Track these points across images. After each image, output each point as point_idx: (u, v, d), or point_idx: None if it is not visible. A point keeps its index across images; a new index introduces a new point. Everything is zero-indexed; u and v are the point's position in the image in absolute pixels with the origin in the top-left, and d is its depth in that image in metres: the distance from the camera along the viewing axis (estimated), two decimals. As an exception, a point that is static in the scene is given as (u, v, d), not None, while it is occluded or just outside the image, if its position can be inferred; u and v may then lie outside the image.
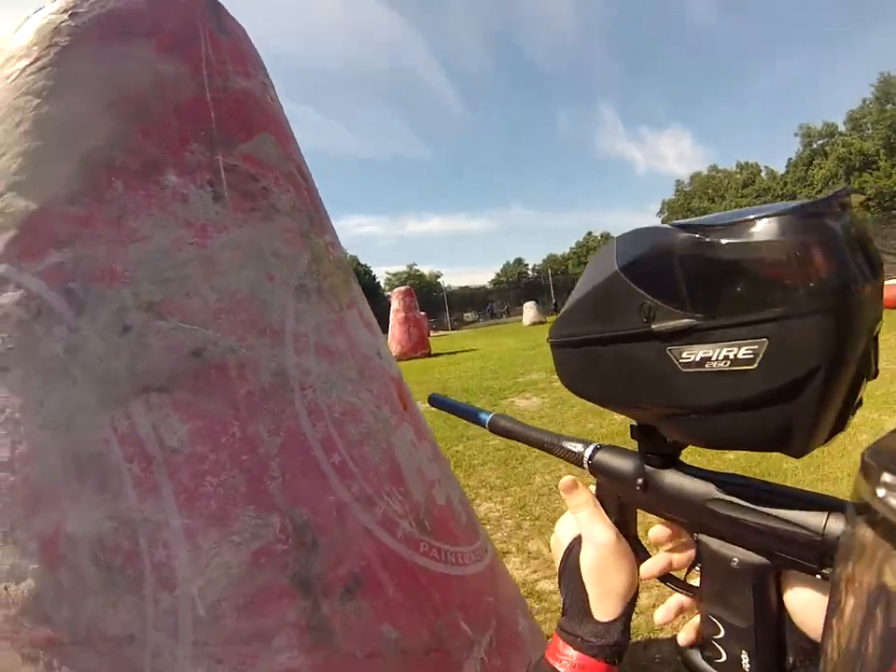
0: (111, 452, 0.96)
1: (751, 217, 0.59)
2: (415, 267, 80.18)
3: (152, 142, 1.15)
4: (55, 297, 1.03)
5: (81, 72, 1.18)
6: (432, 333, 27.09)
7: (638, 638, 3.11)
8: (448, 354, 19.62)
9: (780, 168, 73.36)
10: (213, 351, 1.03)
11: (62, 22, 1.21)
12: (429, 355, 20.00)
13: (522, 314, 35.92)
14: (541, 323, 31.33)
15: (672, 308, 0.65)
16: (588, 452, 0.89)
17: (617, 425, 6.95)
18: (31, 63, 1.18)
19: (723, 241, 0.61)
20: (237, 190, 1.19)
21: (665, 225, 0.68)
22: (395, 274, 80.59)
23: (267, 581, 0.97)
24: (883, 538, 0.34)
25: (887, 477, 0.35)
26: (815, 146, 67.26)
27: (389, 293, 22.37)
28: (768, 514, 0.65)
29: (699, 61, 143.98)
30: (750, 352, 0.59)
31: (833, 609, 0.43)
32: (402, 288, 20.63)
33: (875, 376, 0.61)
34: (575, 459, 0.91)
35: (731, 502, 0.70)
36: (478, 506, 5.22)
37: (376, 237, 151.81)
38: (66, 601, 0.95)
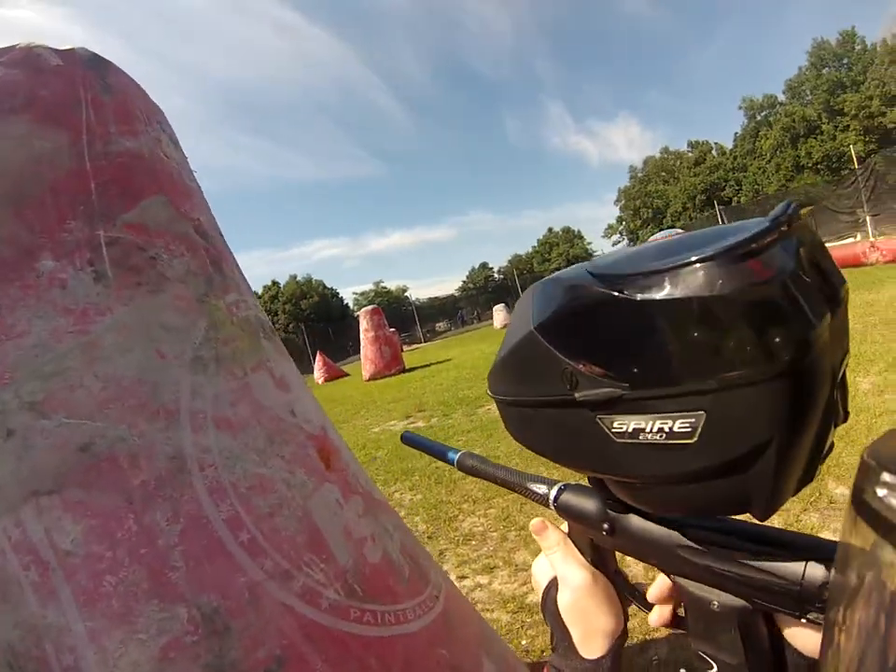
0: (7, 561, 0.92)
1: (674, 264, 0.51)
2: (382, 284, 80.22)
3: (26, 225, 1.09)
4: None
5: None
6: (406, 348, 27.16)
7: (634, 641, 3.10)
8: (423, 367, 19.71)
9: (729, 143, 74.32)
10: (101, 444, 0.98)
11: None
12: (404, 370, 20.09)
13: (492, 318, 35.95)
14: (512, 325, 31.57)
15: (595, 375, 0.59)
16: (553, 493, 0.87)
17: None
18: None
19: (640, 297, 0.53)
20: (120, 266, 1.14)
21: (582, 272, 0.61)
22: (362, 294, 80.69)
23: None
24: (883, 538, 0.33)
25: (887, 477, 0.34)
26: (759, 117, 68.57)
27: (358, 313, 22.43)
28: (743, 563, 0.62)
29: (637, 47, 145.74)
30: (687, 425, 0.53)
31: (833, 610, 0.42)
32: (369, 308, 20.86)
33: (845, 420, 0.55)
34: (541, 500, 0.90)
35: (701, 550, 0.66)
36: (461, 521, 5.22)
37: (340, 259, 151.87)
38: None
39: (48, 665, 0.90)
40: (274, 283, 76.39)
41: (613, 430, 0.59)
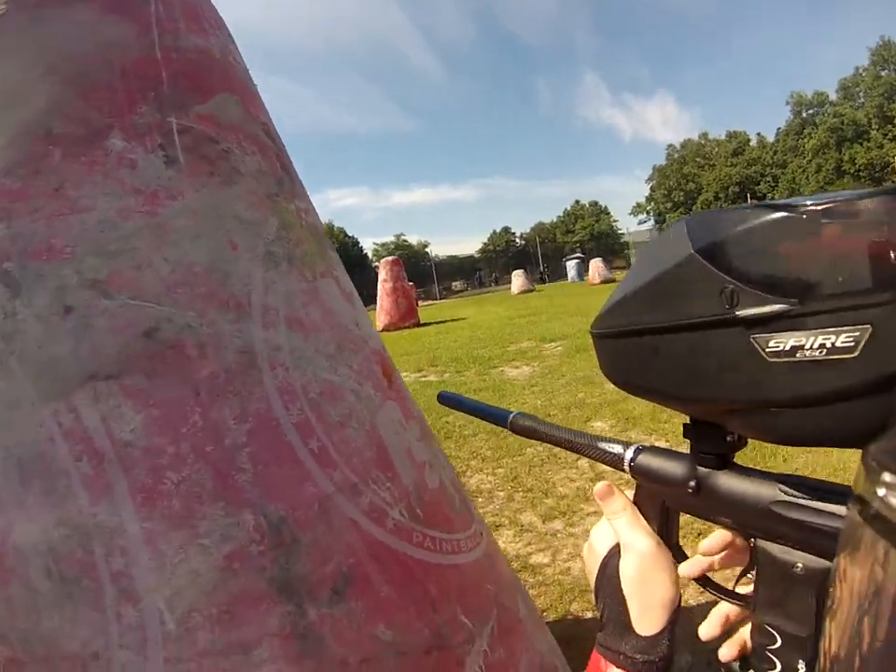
0: (56, 450, 0.86)
1: (851, 198, 0.54)
2: (403, 237, 79.97)
3: (95, 106, 1.05)
4: None
5: (17, 38, 1.09)
6: (421, 303, 27.21)
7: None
8: (437, 323, 19.71)
9: (770, 136, 73.30)
10: (168, 330, 0.92)
11: None
12: (418, 324, 20.12)
13: (510, 282, 35.94)
14: (529, 291, 31.49)
15: (760, 292, 0.60)
16: (629, 453, 0.84)
17: (609, 394, 6.96)
18: None
19: (824, 220, 0.56)
20: (193, 154, 1.09)
21: (746, 206, 0.62)
22: (382, 245, 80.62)
23: (243, 587, 0.87)
24: (883, 537, 0.33)
25: (887, 477, 0.34)
26: (805, 115, 67.42)
27: (377, 264, 22.45)
28: (840, 517, 0.60)
29: (683, 25, 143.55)
30: (851, 339, 0.54)
31: (831, 609, 0.43)
32: (390, 258, 20.78)
33: None
34: (612, 461, 0.86)
35: (797, 504, 0.65)
36: (469, 477, 5.22)
37: (360, 209, 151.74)
38: (21, 618, 0.86)
39: (94, 571, 0.85)
40: (294, 228, 76.22)
41: (768, 349, 0.59)
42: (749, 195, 49.14)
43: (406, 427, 1.18)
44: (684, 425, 0.77)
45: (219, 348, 0.94)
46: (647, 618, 0.78)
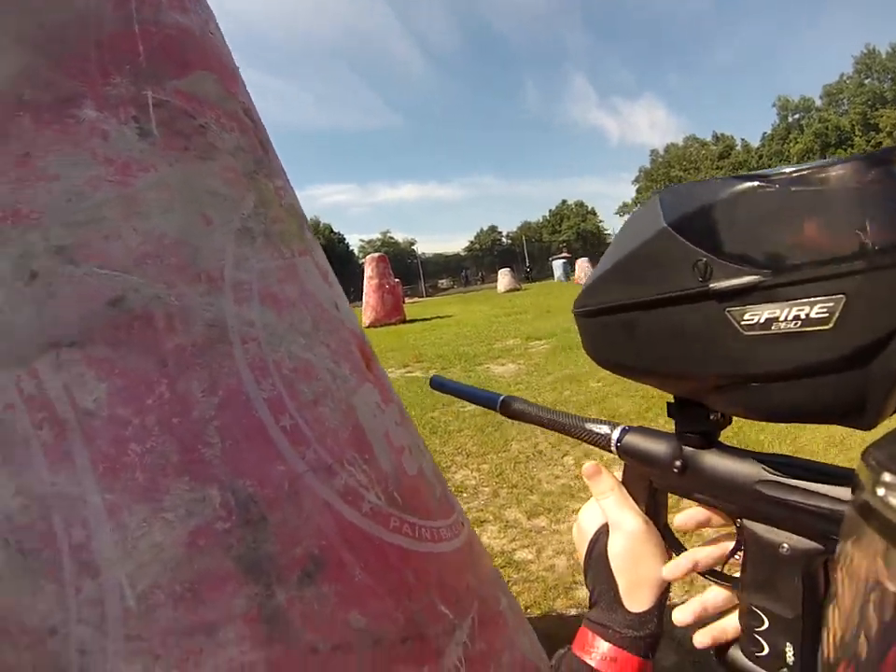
0: (17, 418, 0.83)
1: (820, 164, 0.55)
2: (389, 234, 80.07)
3: (67, 74, 1.02)
4: None
5: None
6: (407, 300, 27.32)
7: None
8: (423, 320, 19.86)
9: (755, 141, 74.09)
10: (135, 299, 0.90)
11: None
12: (404, 321, 20.30)
13: (496, 281, 36.09)
14: (516, 290, 31.81)
15: (733, 264, 0.61)
16: (616, 434, 0.85)
17: (594, 392, 7.04)
18: None
19: (794, 188, 0.56)
20: (168, 128, 1.07)
21: (718, 178, 0.64)
22: (368, 242, 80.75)
23: (208, 564, 0.84)
24: (883, 537, 0.34)
25: (887, 476, 0.35)
26: (791, 119, 68.12)
27: (363, 260, 22.54)
28: (824, 495, 0.61)
29: (672, 29, 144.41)
30: (825, 310, 0.55)
31: (832, 609, 0.43)
32: (376, 255, 21.01)
33: None
34: (601, 442, 0.87)
35: (782, 483, 0.65)
36: (454, 473, 5.25)
37: (348, 205, 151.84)
38: None
39: (53, 541, 0.81)
40: (281, 223, 76.16)
41: (743, 322, 0.60)
42: None
43: (385, 410, 1.16)
44: (668, 404, 0.77)
45: (188, 320, 0.92)
46: (635, 595, 0.80)
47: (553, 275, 46.90)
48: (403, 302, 22.76)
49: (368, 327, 19.99)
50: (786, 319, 0.57)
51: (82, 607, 0.81)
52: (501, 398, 1.03)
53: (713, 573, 0.76)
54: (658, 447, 0.79)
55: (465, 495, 4.64)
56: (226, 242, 1.02)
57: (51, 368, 0.84)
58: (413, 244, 78.72)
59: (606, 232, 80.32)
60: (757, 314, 0.59)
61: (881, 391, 0.54)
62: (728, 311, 0.61)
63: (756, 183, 0.58)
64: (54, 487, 0.82)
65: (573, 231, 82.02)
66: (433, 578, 1.06)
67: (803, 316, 0.55)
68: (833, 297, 0.53)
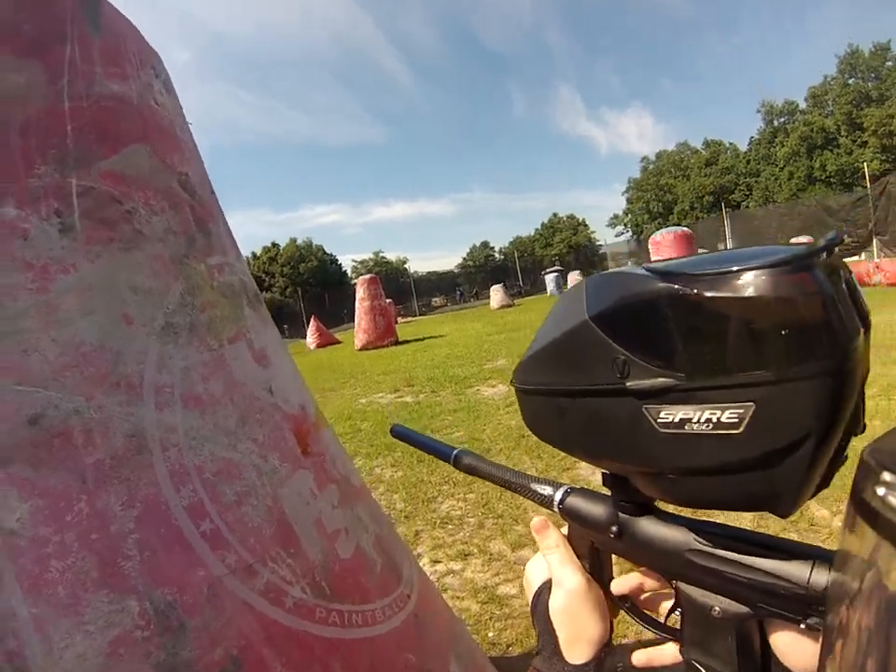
0: None
1: (737, 268, 0.56)
2: (381, 254, 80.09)
3: None
4: None
5: None
6: (401, 319, 27.29)
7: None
8: (415, 341, 19.76)
9: (743, 145, 73.89)
10: (54, 416, 0.90)
11: None
12: (397, 342, 20.21)
13: (490, 297, 35.96)
14: (509, 306, 31.62)
15: (650, 364, 0.62)
16: (558, 495, 0.88)
17: None
18: None
19: (707, 294, 0.57)
20: (92, 218, 1.06)
21: (641, 270, 0.65)
22: (361, 262, 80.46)
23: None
24: (883, 537, 0.33)
25: (887, 476, 0.34)
26: (776, 123, 67.97)
27: (355, 281, 22.53)
28: (750, 567, 0.64)
29: (655, 37, 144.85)
30: (735, 416, 0.57)
31: (833, 610, 0.44)
32: (367, 277, 20.95)
33: (863, 431, 0.58)
34: (544, 502, 0.90)
35: (711, 553, 0.67)
36: (440, 504, 5.19)
37: (341, 225, 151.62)
38: None
39: None
40: (274, 244, 76.04)
41: (659, 420, 0.62)
42: (723, 204, 49.60)
43: (319, 495, 1.17)
44: (603, 474, 0.79)
45: (107, 433, 0.93)
46: (575, 649, 0.82)
47: (546, 289, 46.92)
48: (396, 323, 22.75)
49: (360, 349, 20.06)
50: (699, 421, 0.59)
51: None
52: (454, 452, 1.05)
53: (656, 625, 0.79)
54: (596, 511, 0.82)
55: (450, 526, 4.60)
56: (148, 342, 1.02)
57: None
58: (405, 262, 78.68)
59: (598, 244, 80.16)
60: (672, 413, 0.61)
61: (792, 487, 0.56)
62: (645, 408, 0.63)
63: (675, 286, 0.59)
64: None
65: (565, 245, 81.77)
66: (364, 663, 1.07)
67: (714, 420, 0.58)
68: (744, 404, 0.56)
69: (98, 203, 1.08)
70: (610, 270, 0.74)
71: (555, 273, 46.34)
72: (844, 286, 0.55)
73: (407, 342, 19.86)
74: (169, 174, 1.24)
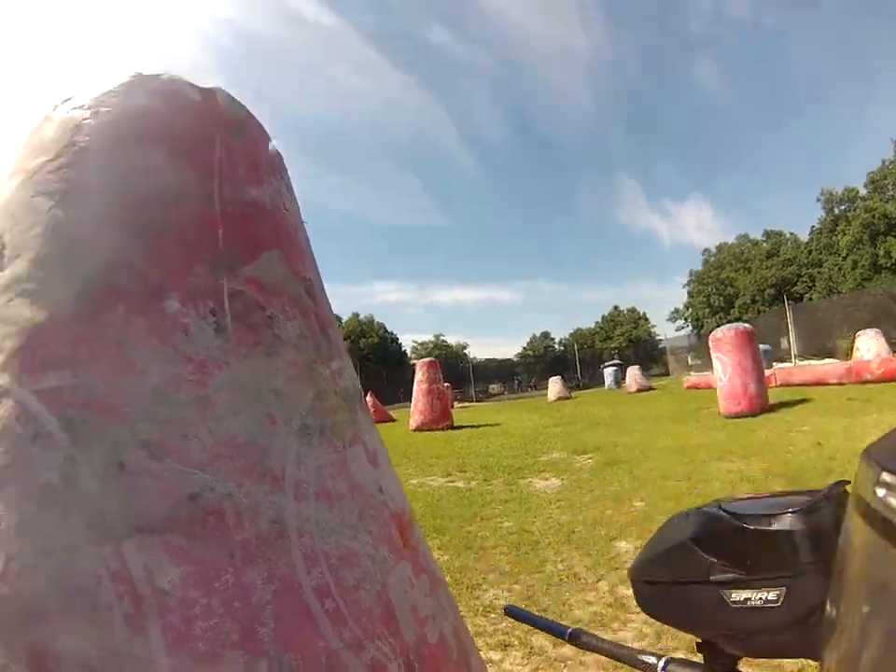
0: (102, 588, 0.95)
1: (776, 512, 1.03)
2: (442, 337, 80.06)
3: (156, 263, 1.11)
4: (53, 422, 1.01)
5: (94, 178, 1.15)
6: (457, 404, 27.16)
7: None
8: (470, 427, 19.66)
9: (804, 235, 72.00)
10: (209, 497, 1.02)
11: (83, 119, 1.18)
12: (451, 427, 20.07)
13: (547, 388, 35.63)
14: (566, 399, 31.09)
15: (725, 566, 1.08)
16: (661, 664, 1.19)
17: (637, 513, 6.85)
18: (49, 161, 1.16)
19: (753, 528, 1.05)
20: (240, 321, 1.15)
21: (717, 510, 1.14)
22: (421, 344, 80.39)
23: None
24: (883, 536, 0.34)
25: (887, 477, 0.35)
26: (837, 211, 66.21)
27: (415, 362, 22.60)
28: None
29: (713, 128, 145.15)
30: (776, 595, 1.01)
31: (832, 609, 0.45)
32: (426, 360, 21.05)
33: None
34: (648, 670, 1.20)
35: None
36: (484, 591, 5.19)
37: (404, 305, 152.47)
38: None
39: None
40: (337, 318, 76.32)
41: (731, 600, 1.06)
42: (785, 297, 48.38)
43: (415, 584, 1.26)
44: (696, 643, 1.18)
45: (254, 517, 1.04)
46: None
47: (604, 382, 46.50)
48: (452, 407, 22.73)
49: (414, 430, 20.13)
50: (754, 599, 1.02)
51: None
52: (569, 630, 1.42)
53: None
54: None
55: (492, 615, 4.55)
56: (288, 441, 1.12)
57: (135, 550, 0.97)
58: (465, 347, 78.61)
59: (658, 338, 79.11)
60: (739, 595, 1.05)
61: (814, 639, 0.79)
62: (722, 592, 1.07)
63: (734, 521, 1.08)
64: (129, 648, 0.94)
65: (625, 338, 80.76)
66: None
67: (764, 598, 1.01)
68: (779, 589, 1.00)
69: (246, 307, 1.16)
70: (701, 508, 1.22)
71: (614, 367, 46.00)
72: (837, 519, 0.95)
73: (462, 427, 19.76)
74: (297, 280, 1.31)
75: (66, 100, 1.23)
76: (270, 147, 1.41)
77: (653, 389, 30.69)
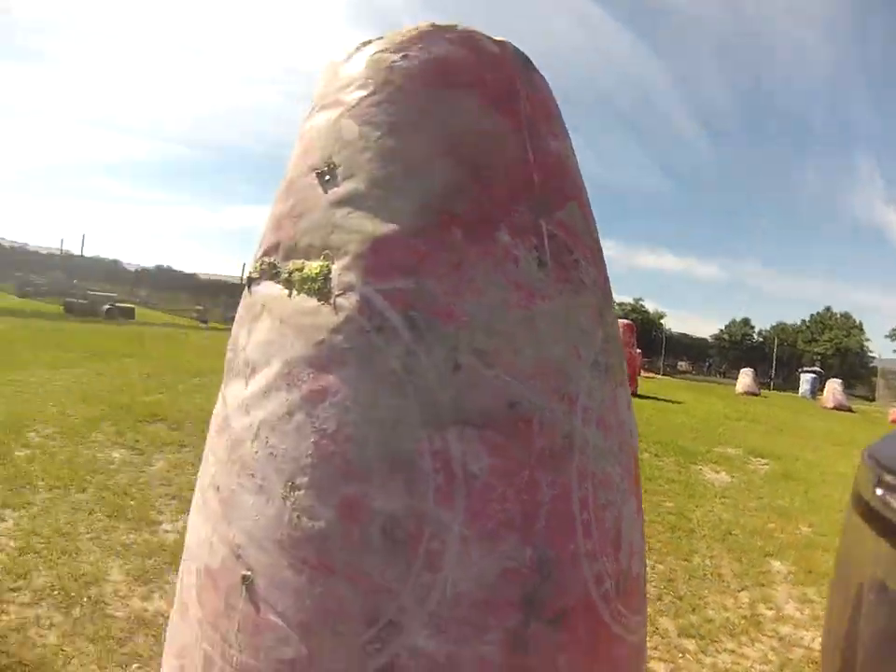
0: (423, 461, 1.12)
1: None
2: (641, 301, 77.66)
3: (486, 197, 1.23)
4: (398, 319, 1.16)
5: (416, 114, 1.27)
6: (643, 373, 26.37)
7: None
8: (653, 399, 18.87)
9: None
10: (525, 406, 1.18)
11: (393, 62, 1.31)
12: (635, 394, 19.54)
13: (736, 378, 33.85)
14: (754, 394, 28.76)
15: None
16: None
17: (801, 537, 6.19)
18: (368, 95, 1.30)
19: None
20: (556, 260, 1.27)
21: None
22: (620, 304, 77.88)
23: (505, 592, 1.14)
24: (882, 536, 0.34)
25: (887, 477, 0.34)
26: None
27: (611, 320, 21.89)
28: None
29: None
30: None
31: (832, 608, 0.41)
32: (624, 321, 20.21)
33: None
34: None
35: None
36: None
37: (608, 262, 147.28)
38: (346, 549, 1.14)
39: (416, 540, 1.12)
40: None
41: None
42: None
43: (636, 519, 1.42)
44: None
45: (553, 431, 1.19)
46: None
47: (798, 388, 43.54)
48: (639, 374, 22.14)
49: (599, 387, 19.35)
50: None
51: (415, 587, 1.12)
52: None
53: None
54: None
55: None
56: (584, 373, 1.27)
57: (457, 437, 1.14)
58: (661, 317, 75.83)
59: (870, 354, 70.60)
60: None
61: None
62: None
63: None
64: (434, 512, 1.13)
65: (832, 345, 74.28)
66: (622, 659, 1.33)
67: None
68: None
69: (560, 247, 1.29)
70: None
71: (813, 375, 42.89)
72: None
73: (645, 397, 19.21)
74: (591, 233, 1.44)
75: (366, 42, 1.38)
76: (555, 101, 1.52)
77: (852, 412, 27.95)
